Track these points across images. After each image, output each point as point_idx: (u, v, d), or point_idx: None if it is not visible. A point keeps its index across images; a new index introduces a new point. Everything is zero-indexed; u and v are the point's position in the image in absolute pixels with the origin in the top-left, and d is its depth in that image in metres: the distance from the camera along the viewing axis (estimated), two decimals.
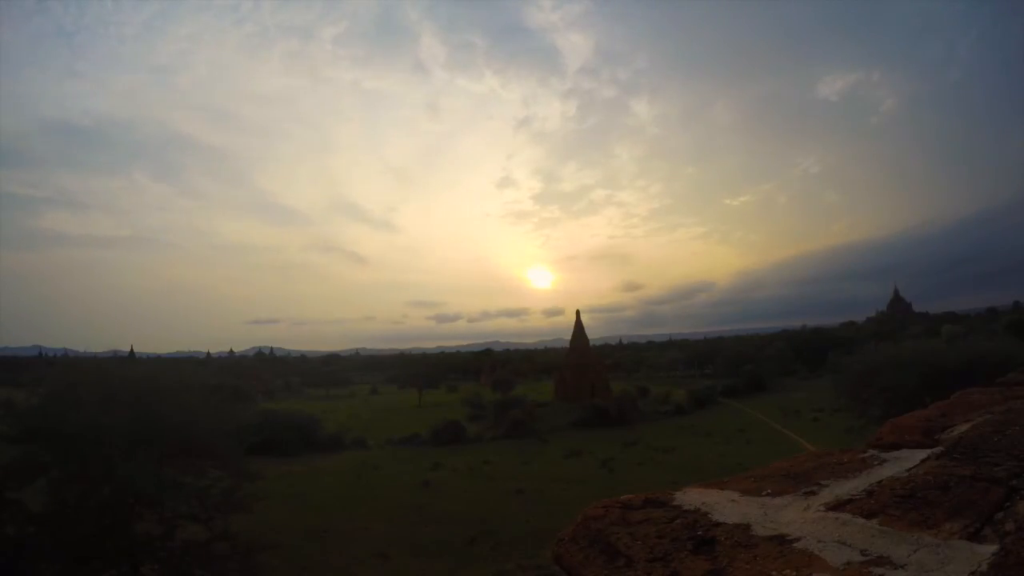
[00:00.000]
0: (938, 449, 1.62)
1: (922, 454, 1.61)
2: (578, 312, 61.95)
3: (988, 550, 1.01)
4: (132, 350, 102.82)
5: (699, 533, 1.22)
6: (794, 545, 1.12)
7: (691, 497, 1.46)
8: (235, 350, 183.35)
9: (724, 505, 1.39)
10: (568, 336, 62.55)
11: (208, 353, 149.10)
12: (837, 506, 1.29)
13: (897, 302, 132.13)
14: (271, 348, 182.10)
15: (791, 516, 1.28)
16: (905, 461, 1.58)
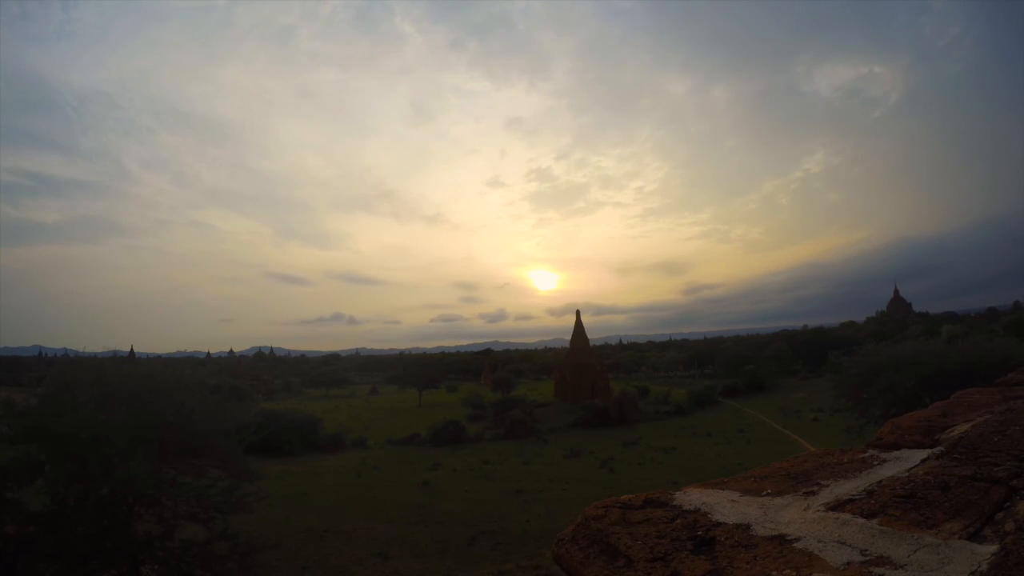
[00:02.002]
0: (938, 449, 1.62)
1: (922, 454, 1.61)
2: (578, 312, 61.94)
3: (988, 550, 1.01)
4: (132, 350, 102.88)
5: (699, 533, 1.22)
6: (794, 545, 1.12)
7: (691, 497, 1.46)
8: (235, 350, 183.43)
9: (724, 505, 1.39)
10: (568, 336, 62.55)
11: (208, 353, 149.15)
12: (837, 506, 1.29)
13: (897, 302, 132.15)
14: (271, 348, 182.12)
15: (791, 516, 1.28)
16: (905, 461, 1.58)
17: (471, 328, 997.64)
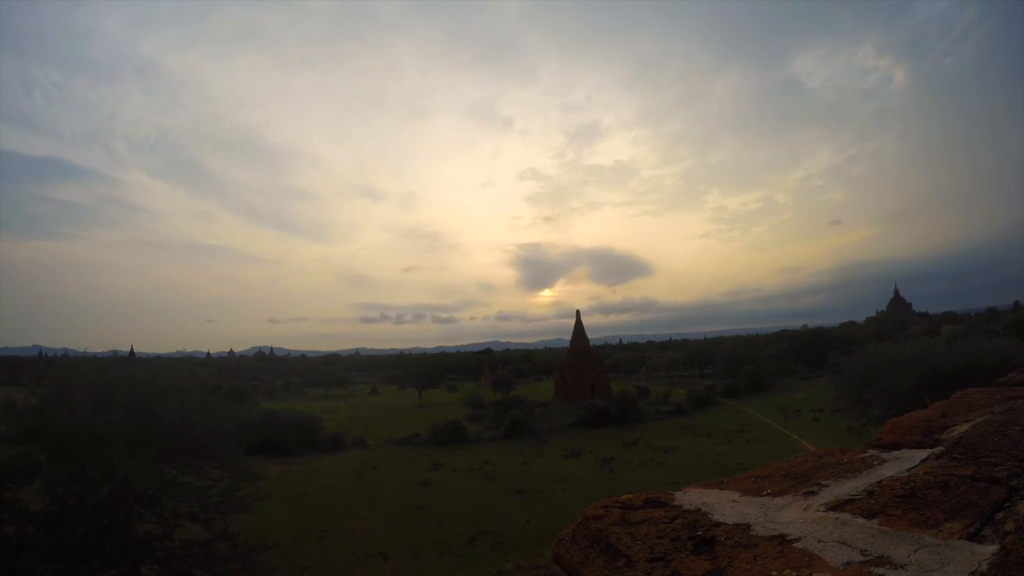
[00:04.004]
0: (938, 449, 1.62)
1: (922, 454, 1.61)
2: (578, 312, 61.92)
3: (988, 550, 1.01)
4: (132, 350, 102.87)
5: (699, 533, 1.22)
6: (794, 545, 1.12)
7: (691, 497, 1.46)
8: (235, 350, 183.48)
9: (724, 505, 1.39)
10: (568, 336, 62.52)
11: (208, 353, 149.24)
12: (837, 506, 1.29)
13: (897, 302, 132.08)
14: (271, 348, 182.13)
15: (791, 516, 1.27)
16: (905, 461, 1.58)
17: (471, 328, 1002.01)
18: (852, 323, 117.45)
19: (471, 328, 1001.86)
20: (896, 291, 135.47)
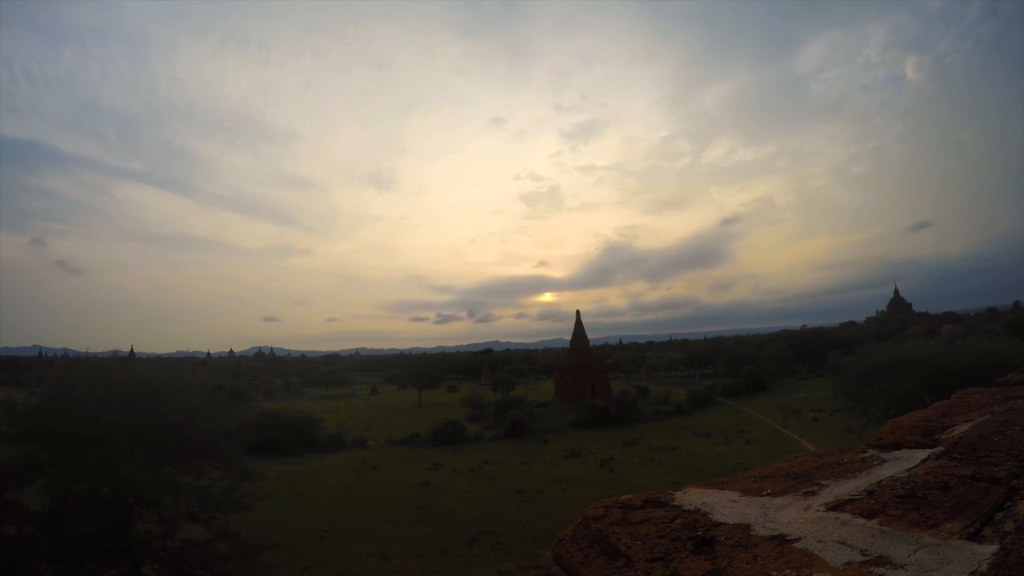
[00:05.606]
0: (938, 449, 1.62)
1: (922, 454, 1.61)
2: (578, 312, 61.92)
3: (988, 550, 1.01)
4: (132, 350, 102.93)
5: (699, 533, 1.22)
6: (794, 545, 1.12)
7: (691, 497, 1.46)
8: (235, 350, 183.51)
9: (724, 505, 1.39)
10: (568, 336, 62.52)
11: (208, 353, 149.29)
12: (837, 506, 1.29)
13: (897, 302, 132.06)
14: (271, 348, 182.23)
15: (791, 516, 1.28)
16: (905, 461, 1.58)
17: (471, 328, 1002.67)
18: (852, 323, 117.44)
19: (472, 328, 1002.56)
20: (896, 291, 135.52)
